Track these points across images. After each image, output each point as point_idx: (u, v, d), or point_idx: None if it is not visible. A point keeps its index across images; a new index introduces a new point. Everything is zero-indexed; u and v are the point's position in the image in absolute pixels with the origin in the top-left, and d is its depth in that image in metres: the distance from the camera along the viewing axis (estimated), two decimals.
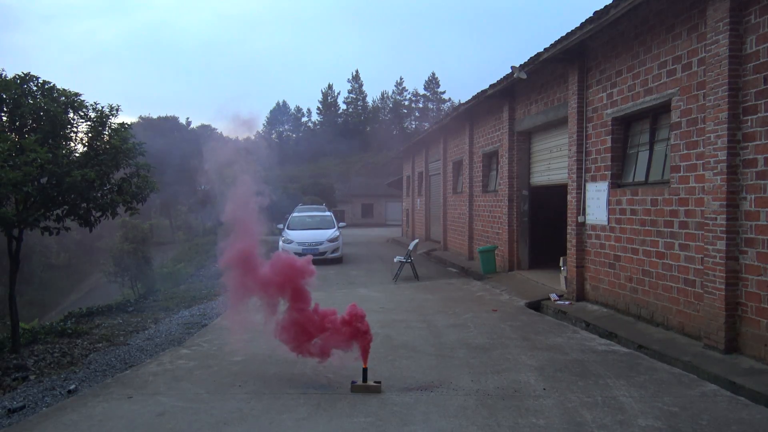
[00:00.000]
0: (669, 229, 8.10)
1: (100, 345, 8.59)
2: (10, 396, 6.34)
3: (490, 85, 14.17)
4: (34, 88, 8.10)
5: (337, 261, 19.57)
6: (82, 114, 8.36)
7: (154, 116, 55.17)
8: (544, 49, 10.75)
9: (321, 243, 19.30)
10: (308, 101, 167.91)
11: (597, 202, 10.06)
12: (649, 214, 8.58)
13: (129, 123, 9.03)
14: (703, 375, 6.37)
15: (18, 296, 8.59)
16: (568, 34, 9.76)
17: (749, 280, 6.61)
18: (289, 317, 6.44)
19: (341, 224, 22.49)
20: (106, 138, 8.48)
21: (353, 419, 5.28)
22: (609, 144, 9.69)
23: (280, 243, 19.20)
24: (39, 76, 8.13)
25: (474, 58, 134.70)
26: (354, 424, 5.16)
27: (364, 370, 6.09)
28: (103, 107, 8.55)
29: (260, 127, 76.94)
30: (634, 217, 8.99)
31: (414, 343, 8.11)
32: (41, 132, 7.76)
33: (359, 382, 6.06)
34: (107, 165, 8.24)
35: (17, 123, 7.91)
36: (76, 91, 8.27)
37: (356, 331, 6.13)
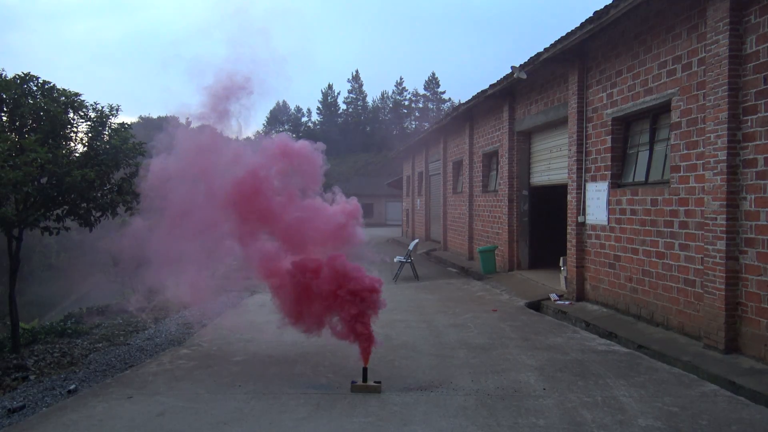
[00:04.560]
0: (669, 229, 8.10)
1: (100, 345, 8.59)
2: (10, 396, 6.34)
3: (490, 85, 14.17)
4: (34, 88, 8.10)
5: None
6: (82, 114, 8.36)
7: (154, 116, 55.11)
8: (544, 49, 10.75)
9: None
10: (308, 101, 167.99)
11: (597, 202, 10.06)
12: (649, 214, 8.58)
13: (129, 123, 9.03)
14: (703, 375, 6.37)
15: (18, 296, 8.59)
16: (568, 34, 9.75)
17: (749, 280, 6.61)
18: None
19: None
20: (106, 138, 8.48)
21: (353, 419, 5.27)
22: (609, 144, 9.69)
23: None
24: (39, 76, 8.14)
25: (474, 58, 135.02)
26: (354, 424, 5.16)
27: (364, 370, 6.09)
28: (103, 107, 8.57)
29: (260, 127, 76.98)
30: (634, 217, 8.98)
31: (414, 343, 8.11)
32: (41, 132, 7.76)
33: (359, 381, 6.06)
34: (107, 165, 8.24)
35: (17, 123, 7.91)
36: (76, 91, 8.28)
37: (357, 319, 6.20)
